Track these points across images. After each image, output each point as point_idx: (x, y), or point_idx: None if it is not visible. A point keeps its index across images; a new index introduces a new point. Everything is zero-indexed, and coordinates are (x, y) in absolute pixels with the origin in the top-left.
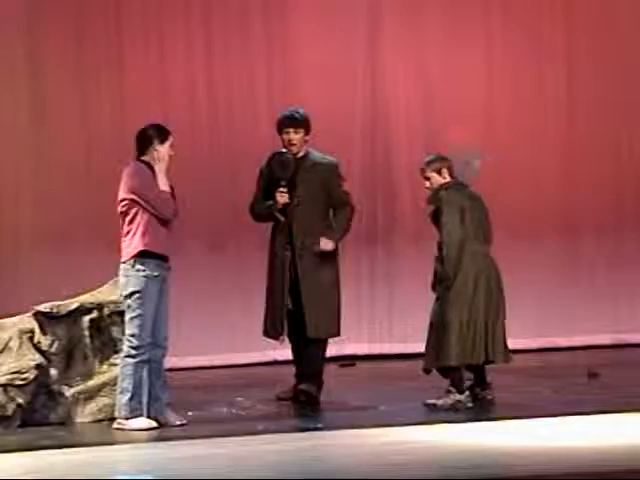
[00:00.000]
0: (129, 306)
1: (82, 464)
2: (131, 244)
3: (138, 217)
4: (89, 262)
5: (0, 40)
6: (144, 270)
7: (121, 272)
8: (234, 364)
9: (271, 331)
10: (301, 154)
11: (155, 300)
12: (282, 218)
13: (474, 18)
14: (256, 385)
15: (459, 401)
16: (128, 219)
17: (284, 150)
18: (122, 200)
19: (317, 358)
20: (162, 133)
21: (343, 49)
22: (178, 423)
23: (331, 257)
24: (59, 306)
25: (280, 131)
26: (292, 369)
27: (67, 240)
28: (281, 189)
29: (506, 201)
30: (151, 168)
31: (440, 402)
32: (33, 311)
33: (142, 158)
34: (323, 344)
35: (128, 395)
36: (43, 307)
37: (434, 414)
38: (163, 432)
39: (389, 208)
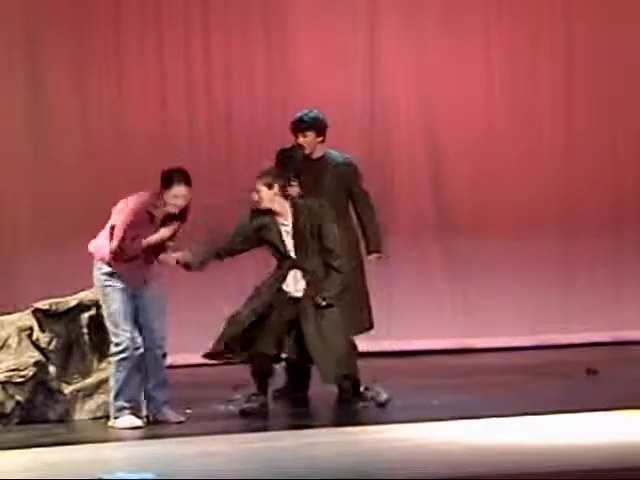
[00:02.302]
0: (103, 302)
1: (81, 462)
2: (104, 250)
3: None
4: (88, 261)
5: None
6: (110, 280)
7: (94, 265)
8: (232, 361)
9: None
10: (317, 155)
11: (124, 298)
12: None
13: (474, 17)
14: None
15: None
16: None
17: (288, 145)
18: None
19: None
20: (166, 179)
21: (342, 48)
22: (176, 421)
23: (356, 254)
24: (58, 303)
25: (292, 134)
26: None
27: (66, 239)
28: (291, 182)
29: (506, 200)
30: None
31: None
32: (32, 308)
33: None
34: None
35: (112, 394)
36: (42, 304)
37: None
38: (161, 429)
39: (389, 207)
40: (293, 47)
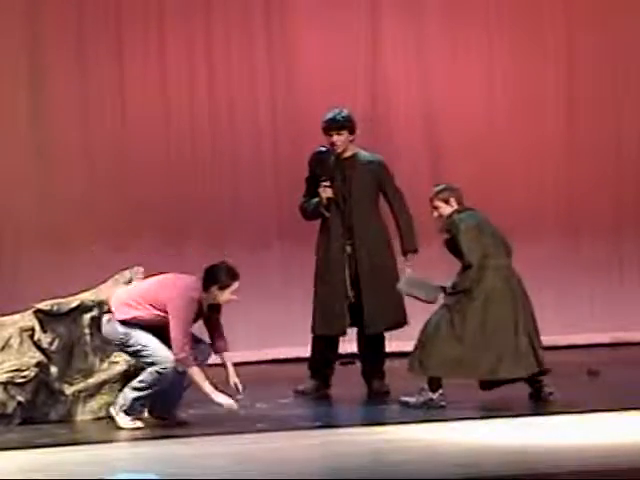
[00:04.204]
0: (126, 344)
1: (82, 462)
2: (129, 312)
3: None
4: (89, 262)
5: (0, 40)
6: (127, 325)
7: (106, 321)
8: (233, 363)
9: (331, 328)
10: (349, 154)
11: (145, 329)
12: (327, 214)
13: (475, 17)
14: (255, 384)
15: (431, 399)
16: (147, 303)
17: (323, 148)
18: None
19: (383, 351)
20: (219, 278)
21: (344, 48)
22: (179, 421)
23: (388, 249)
24: (60, 304)
25: (324, 133)
26: (291, 367)
27: (67, 240)
28: (324, 184)
29: (506, 200)
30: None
31: (413, 400)
32: (34, 309)
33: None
34: (383, 337)
35: (136, 394)
36: (44, 305)
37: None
38: (163, 430)
39: None
40: (294, 46)
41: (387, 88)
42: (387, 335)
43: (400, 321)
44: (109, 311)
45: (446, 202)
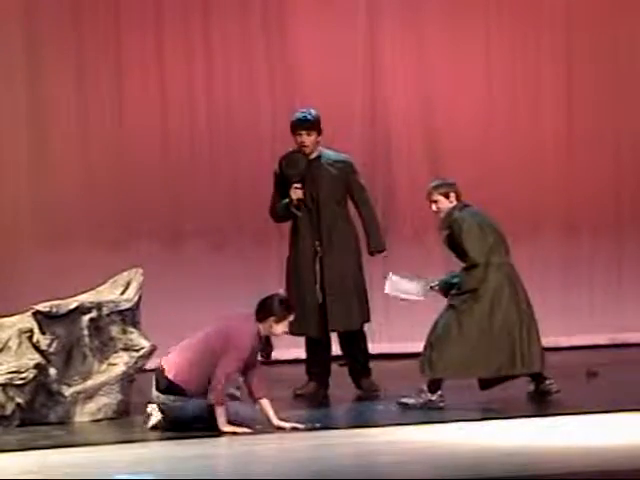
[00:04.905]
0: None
1: (81, 464)
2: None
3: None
4: (89, 263)
5: None
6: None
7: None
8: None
9: (307, 328)
10: (315, 154)
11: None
12: (299, 214)
13: (474, 17)
14: None
15: (431, 400)
16: (203, 351)
17: (293, 149)
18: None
19: (365, 349)
20: (277, 311)
21: (342, 48)
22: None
23: (355, 249)
24: (58, 305)
25: (293, 133)
26: (291, 368)
27: (67, 241)
28: (295, 185)
29: (506, 201)
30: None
31: (412, 401)
32: (32, 310)
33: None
34: (362, 333)
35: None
36: (42, 306)
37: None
38: (163, 430)
39: (389, 208)
40: (293, 48)
41: (386, 88)
42: (386, 336)
43: (362, 321)
44: (162, 372)
45: (446, 196)
